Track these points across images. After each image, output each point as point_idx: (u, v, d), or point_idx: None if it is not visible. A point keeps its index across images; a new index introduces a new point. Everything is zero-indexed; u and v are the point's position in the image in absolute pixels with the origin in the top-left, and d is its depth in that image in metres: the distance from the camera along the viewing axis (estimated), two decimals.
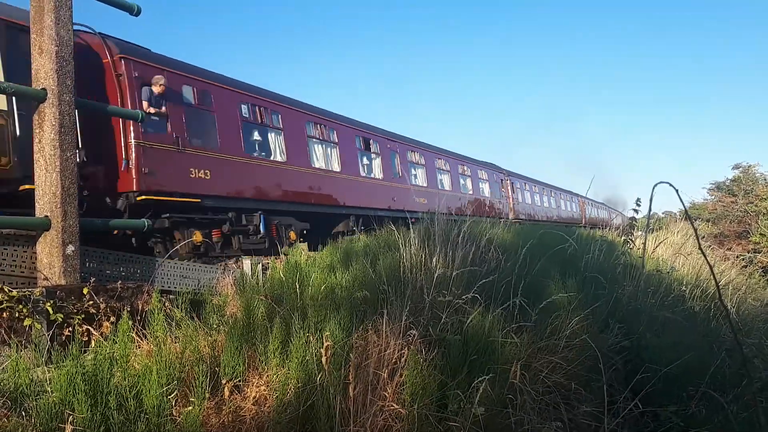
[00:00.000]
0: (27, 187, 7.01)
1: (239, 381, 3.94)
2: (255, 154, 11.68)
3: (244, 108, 11.66)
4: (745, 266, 13.78)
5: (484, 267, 5.89)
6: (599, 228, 15.96)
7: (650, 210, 6.35)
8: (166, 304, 5.20)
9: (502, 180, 24.62)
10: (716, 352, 5.65)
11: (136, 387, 3.55)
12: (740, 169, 30.96)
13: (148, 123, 9.27)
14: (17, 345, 4.28)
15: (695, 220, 24.06)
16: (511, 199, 24.87)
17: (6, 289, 5.03)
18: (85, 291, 5.50)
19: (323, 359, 3.71)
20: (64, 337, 5.10)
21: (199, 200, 9.93)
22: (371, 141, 15.89)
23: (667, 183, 5.37)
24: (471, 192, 21.40)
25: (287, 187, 12.36)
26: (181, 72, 10.48)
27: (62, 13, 6.02)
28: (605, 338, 5.41)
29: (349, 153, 14.74)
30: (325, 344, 3.73)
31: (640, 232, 10.40)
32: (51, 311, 5.12)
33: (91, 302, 5.49)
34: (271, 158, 12.16)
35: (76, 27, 8.02)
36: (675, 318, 6.51)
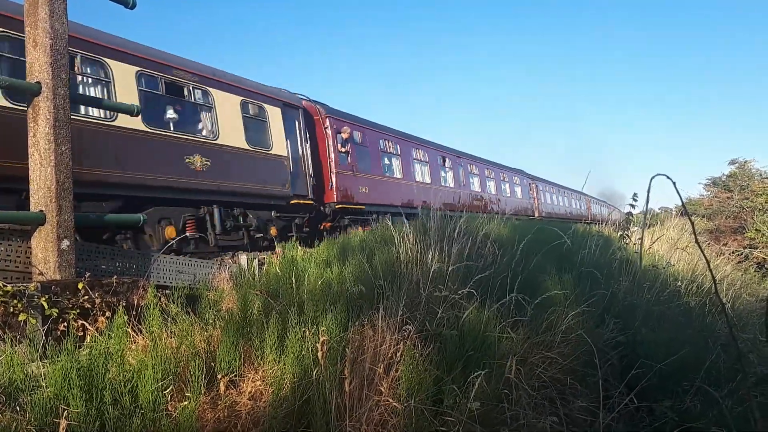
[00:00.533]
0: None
1: (235, 376, 3.94)
2: (387, 174, 17.19)
3: (381, 142, 17.35)
4: (741, 261, 13.82)
5: (481, 262, 5.89)
6: (597, 223, 16.14)
7: (647, 203, 6.34)
8: (162, 299, 5.20)
9: (529, 184, 29.56)
10: (711, 347, 5.66)
11: (132, 382, 3.55)
12: (736, 164, 31.01)
13: (339, 157, 14.89)
14: (12, 340, 4.28)
15: (691, 216, 24.13)
16: (536, 200, 29.66)
17: (0, 284, 5.01)
18: (80, 286, 5.48)
19: (319, 354, 3.71)
20: (59, 332, 5.08)
21: (363, 207, 15.48)
22: (446, 158, 21.28)
23: (665, 175, 5.37)
24: (509, 195, 26.73)
25: (402, 196, 17.57)
26: (353, 122, 16.01)
27: (57, 6, 5.97)
28: (601, 333, 5.42)
29: (434, 168, 20.19)
30: (321, 339, 3.73)
31: (636, 227, 10.41)
32: (46, 306, 5.10)
33: (86, 297, 5.47)
34: (394, 176, 17.61)
35: (300, 95, 14.87)
36: (671, 313, 6.52)
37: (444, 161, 20.96)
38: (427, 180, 19.32)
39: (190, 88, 10.81)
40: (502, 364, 4.07)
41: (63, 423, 3.05)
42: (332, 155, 14.69)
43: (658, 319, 6.20)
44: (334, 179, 14.53)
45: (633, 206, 8.74)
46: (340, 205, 14.63)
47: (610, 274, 7.23)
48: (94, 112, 8.85)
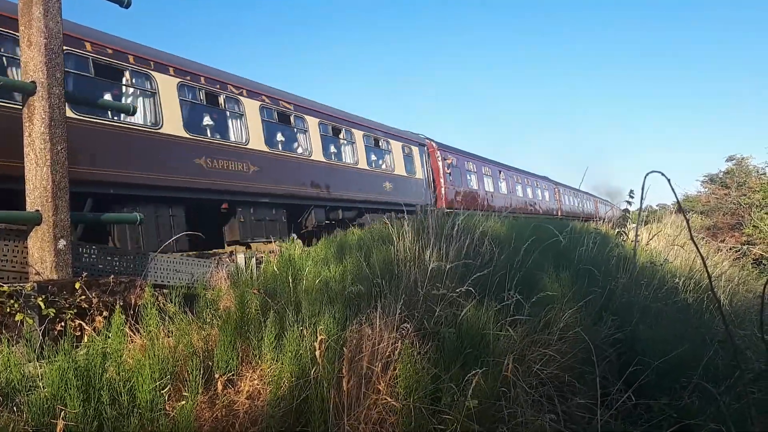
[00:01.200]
0: None
1: (232, 375, 3.93)
2: (470, 186, 23.88)
3: (465, 164, 23.96)
4: (738, 258, 13.84)
5: (478, 260, 5.89)
6: (594, 220, 16.28)
7: (642, 200, 6.35)
8: (159, 298, 5.18)
9: (554, 189, 35.14)
10: (709, 344, 5.67)
11: (130, 382, 3.54)
12: (733, 161, 31.10)
13: (446, 177, 21.59)
14: (8, 340, 4.25)
15: (689, 213, 24.24)
16: (559, 202, 35.38)
17: None
18: (77, 285, 5.46)
19: (317, 353, 3.70)
20: (56, 332, 5.07)
21: (458, 210, 19.13)
22: (501, 171, 27.35)
23: (659, 172, 5.37)
24: (540, 198, 32.37)
25: (481, 201, 23.66)
26: (451, 151, 22.76)
27: (51, 5, 5.94)
28: (598, 331, 5.42)
29: (495, 180, 26.46)
30: (319, 338, 3.73)
31: (633, 224, 10.42)
32: (43, 306, 5.08)
33: (83, 297, 5.45)
34: (473, 187, 24.19)
35: (422, 135, 21.41)
36: (668, 310, 6.53)
37: (500, 174, 27.36)
38: (491, 189, 25.90)
39: (384, 141, 18.10)
40: (500, 362, 4.07)
41: (60, 423, 3.04)
42: (442, 175, 21.37)
43: (655, 316, 6.21)
44: (443, 192, 21.14)
45: (630, 203, 8.76)
46: (448, 210, 18.20)
47: (608, 271, 7.23)
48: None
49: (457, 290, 4.79)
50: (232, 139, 11.84)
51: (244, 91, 12.41)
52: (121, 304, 5.38)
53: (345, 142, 16.05)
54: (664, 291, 7.37)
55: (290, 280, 5.18)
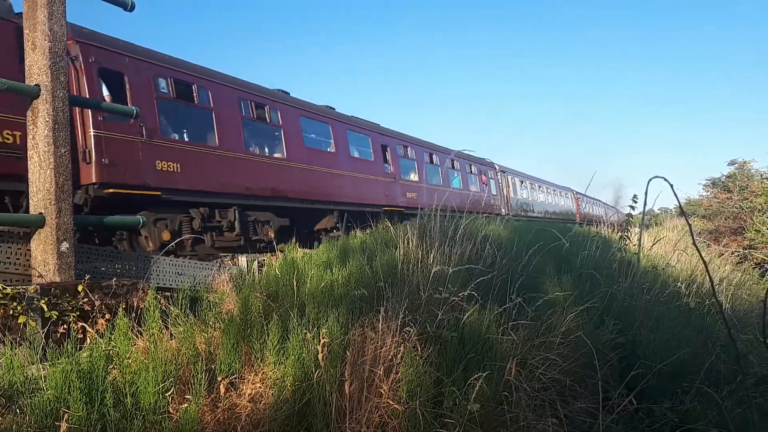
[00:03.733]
0: None
1: (235, 378, 3.93)
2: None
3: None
4: (740, 262, 13.81)
5: (480, 263, 5.89)
6: (596, 224, 16.34)
7: (645, 205, 6.34)
8: (162, 301, 5.19)
9: (573, 197, 39.69)
10: (711, 348, 5.67)
11: (135, 384, 3.55)
12: (735, 165, 30.99)
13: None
14: (12, 342, 4.27)
15: (690, 216, 24.20)
16: (578, 209, 40.19)
17: (0, 287, 5.01)
18: (80, 288, 5.47)
19: (320, 356, 3.71)
20: (59, 335, 5.08)
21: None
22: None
23: (662, 178, 5.37)
24: (561, 204, 36.51)
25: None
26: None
27: (55, 9, 5.97)
28: (600, 335, 5.42)
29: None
30: (322, 341, 3.73)
31: (636, 229, 10.41)
32: (46, 308, 5.10)
33: (86, 299, 5.47)
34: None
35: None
36: (670, 314, 6.52)
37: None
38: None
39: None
40: (502, 366, 4.08)
41: (63, 426, 3.05)
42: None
43: (657, 320, 6.20)
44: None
45: (633, 207, 8.75)
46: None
47: (610, 276, 7.23)
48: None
49: (460, 294, 4.79)
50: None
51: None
52: (124, 306, 5.39)
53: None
54: (666, 295, 7.36)
55: (294, 284, 5.18)
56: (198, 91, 10.44)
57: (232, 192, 10.78)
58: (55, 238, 5.78)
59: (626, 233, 9.16)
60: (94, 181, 8.23)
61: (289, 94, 13.76)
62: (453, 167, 21.73)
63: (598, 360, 4.43)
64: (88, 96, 8.29)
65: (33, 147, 5.88)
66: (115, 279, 5.89)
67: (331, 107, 15.50)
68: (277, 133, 12.55)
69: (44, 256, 5.77)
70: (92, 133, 8.28)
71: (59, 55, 5.98)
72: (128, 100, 8.94)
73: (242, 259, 8.64)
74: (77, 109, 8.05)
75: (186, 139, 10.24)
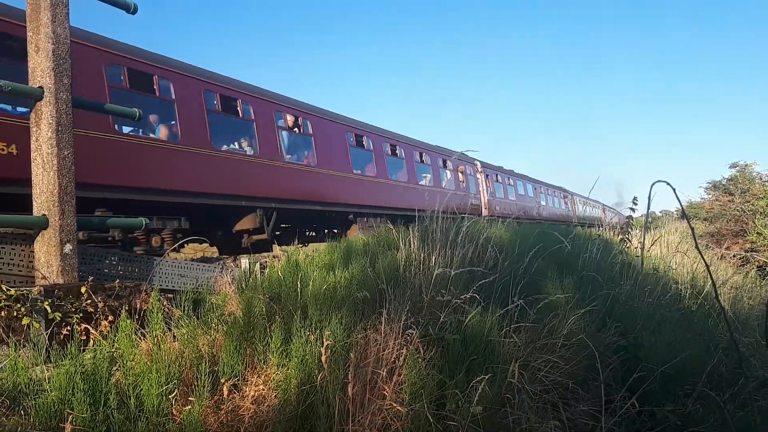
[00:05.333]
0: None
1: (238, 380, 3.95)
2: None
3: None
4: (742, 265, 13.81)
5: (482, 266, 5.90)
6: (597, 227, 16.34)
7: (648, 209, 6.36)
8: (165, 303, 5.20)
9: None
10: (713, 351, 5.67)
11: (138, 386, 3.56)
12: (737, 168, 30.92)
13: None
14: (15, 344, 4.28)
15: (692, 219, 24.22)
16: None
17: (4, 288, 5.02)
18: (83, 290, 5.48)
19: (323, 358, 3.72)
20: (62, 336, 5.09)
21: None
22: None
23: (665, 182, 5.40)
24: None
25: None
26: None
27: (59, 11, 5.99)
28: (602, 337, 5.43)
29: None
30: (325, 343, 3.74)
31: (637, 231, 10.42)
32: (49, 310, 5.11)
33: (89, 301, 5.48)
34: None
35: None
36: (672, 317, 6.53)
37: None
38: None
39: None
40: (505, 369, 4.08)
41: (68, 427, 3.06)
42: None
43: (659, 323, 6.21)
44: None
45: (633, 210, 8.77)
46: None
47: (611, 278, 7.24)
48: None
49: (462, 296, 4.80)
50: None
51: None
52: (127, 308, 5.40)
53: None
54: (668, 298, 7.37)
55: (297, 285, 5.20)
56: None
57: None
58: (59, 239, 5.79)
59: (627, 235, 9.17)
60: None
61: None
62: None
63: (601, 362, 4.44)
64: None
65: (36, 149, 5.90)
66: (118, 281, 5.91)
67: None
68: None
69: (47, 257, 5.79)
70: None
71: (62, 57, 6.00)
72: None
73: (244, 261, 8.65)
74: None
75: None
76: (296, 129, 13.94)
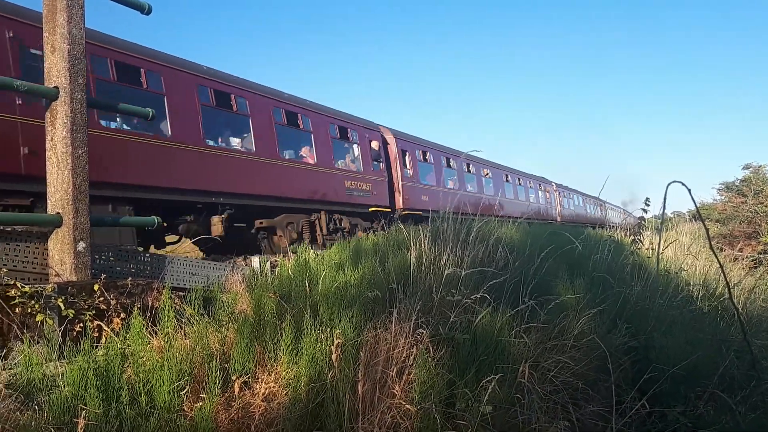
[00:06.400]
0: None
1: (249, 377, 3.97)
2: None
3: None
4: (755, 267, 13.68)
5: (493, 266, 5.90)
6: (608, 228, 16.24)
7: (664, 210, 6.33)
8: (176, 300, 5.24)
9: (597, 203, 42.26)
10: (725, 353, 5.63)
11: (149, 382, 3.59)
12: (750, 169, 30.73)
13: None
14: (30, 340, 4.33)
15: (705, 221, 23.96)
16: (606, 215, 42.89)
17: (19, 285, 5.08)
18: (96, 287, 5.54)
19: (333, 357, 3.74)
20: (75, 333, 5.15)
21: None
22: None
23: (680, 182, 5.37)
24: (594, 213, 40.46)
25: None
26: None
27: (74, 12, 6.06)
28: (613, 338, 5.40)
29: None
30: (336, 342, 3.76)
31: (648, 232, 10.36)
32: (63, 307, 5.17)
33: (101, 298, 5.53)
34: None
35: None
36: (683, 318, 6.49)
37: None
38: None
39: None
40: (515, 369, 4.08)
41: (81, 422, 3.09)
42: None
43: (670, 324, 6.17)
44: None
45: (645, 211, 8.71)
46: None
47: (622, 279, 7.20)
48: None
49: (472, 296, 4.80)
50: None
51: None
52: (139, 306, 5.45)
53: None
54: (679, 299, 7.32)
55: (306, 284, 5.22)
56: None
57: None
58: (72, 237, 5.85)
59: (639, 237, 9.12)
60: None
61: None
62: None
63: (611, 363, 4.42)
64: None
65: (51, 148, 5.97)
66: (130, 278, 5.96)
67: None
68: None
69: (61, 255, 5.85)
70: None
71: (78, 57, 6.07)
72: None
73: (255, 260, 8.70)
74: None
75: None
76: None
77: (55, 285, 5.38)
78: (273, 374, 4.04)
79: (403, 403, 3.62)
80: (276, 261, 8.57)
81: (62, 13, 5.95)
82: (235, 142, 12.42)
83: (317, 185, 14.16)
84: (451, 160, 21.03)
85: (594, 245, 8.19)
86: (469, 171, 22.62)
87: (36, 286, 5.32)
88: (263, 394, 3.85)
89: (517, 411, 3.85)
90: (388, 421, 3.59)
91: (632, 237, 9.45)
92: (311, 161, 14.15)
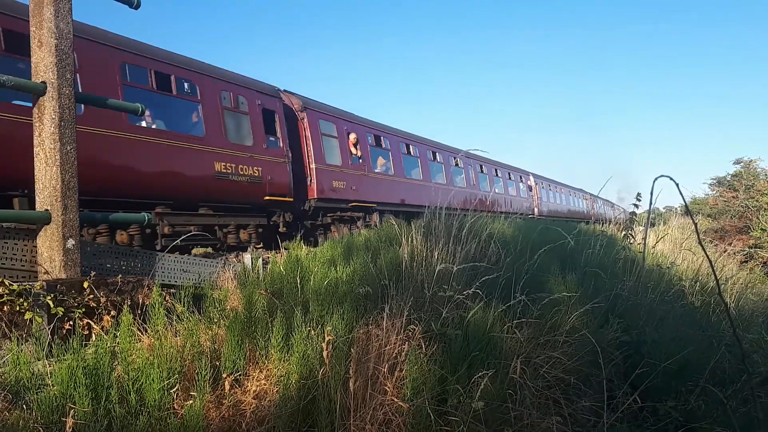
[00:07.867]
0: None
1: (239, 375, 3.95)
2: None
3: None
4: (746, 261, 13.78)
5: (485, 261, 5.89)
6: (600, 223, 16.26)
7: (651, 204, 6.33)
8: (167, 298, 5.21)
9: (588, 198, 42.64)
10: (716, 347, 5.66)
11: (139, 381, 3.56)
12: (741, 164, 30.85)
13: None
14: (18, 338, 4.29)
15: (696, 215, 24.19)
16: (593, 209, 42.26)
17: (7, 283, 5.03)
18: (85, 285, 5.49)
19: (324, 353, 3.72)
20: (64, 331, 5.10)
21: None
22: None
23: (668, 177, 5.36)
24: (586, 208, 40.84)
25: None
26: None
27: (62, 6, 5.98)
28: (605, 333, 5.41)
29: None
30: (327, 338, 3.74)
31: (640, 227, 10.39)
32: (52, 305, 5.12)
33: (91, 296, 5.49)
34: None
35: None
36: (675, 313, 6.51)
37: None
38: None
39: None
40: (507, 364, 4.08)
41: (69, 421, 3.06)
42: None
43: (662, 319, 6.20)
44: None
45: (636, 206, 8.74)
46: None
47: (614, 274, 7.22)
48: None
49: (464, 292, 4.79)
50: None
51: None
52: (129, 303, 5.41)
53: None
54: (671, 294, 7.35)
55: (298, 281, 5.19)
56: None
57: None
58: (61, 234, 5.79)
59: (630, 232, 9.14)
60: None
61: None
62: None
63: (603, 358, 4.43)
64: None
65: (39, 144, 5.90)
66: (120, 276, 5.91)
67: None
68: None
69: (50, 252, 5.79)
70: None
71: (65, 52, 5.99)
72: None
73: (246, 257, 8.66)
74: None
75: None
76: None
77: (44, 282, 5.33)
78: (264, 371, 4.02)
79: (395, 399, 3.61)
80: (268, 257, 8.53)
81: (49, 6, 5.87)
82: None
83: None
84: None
85: (586, 240, 8.20)
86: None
87: (25, 283, 5.26)
88: (254, 391, 3.83)
89: (509, 407, 3.85)
90: (380, 417, 3.58)
91: (624, 232, 9.48)
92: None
